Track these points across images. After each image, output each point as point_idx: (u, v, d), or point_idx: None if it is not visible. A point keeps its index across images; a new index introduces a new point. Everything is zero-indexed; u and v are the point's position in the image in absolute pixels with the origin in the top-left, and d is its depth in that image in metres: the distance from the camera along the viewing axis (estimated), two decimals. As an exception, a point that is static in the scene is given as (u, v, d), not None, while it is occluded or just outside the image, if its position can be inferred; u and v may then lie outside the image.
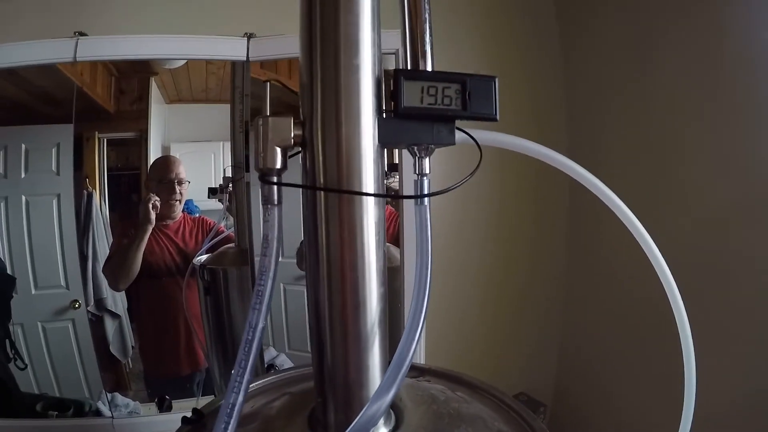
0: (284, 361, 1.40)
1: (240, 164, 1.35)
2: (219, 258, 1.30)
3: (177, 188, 1.39)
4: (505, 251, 1.90)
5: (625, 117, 1.73)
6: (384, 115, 0.42)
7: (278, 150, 0.39)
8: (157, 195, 1.38)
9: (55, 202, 1.31)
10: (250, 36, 1.31)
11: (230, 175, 1.37)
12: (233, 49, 1.29)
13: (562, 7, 1.99)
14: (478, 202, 1.76)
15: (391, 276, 1.26)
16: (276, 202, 0.41)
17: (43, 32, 1.25)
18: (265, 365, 1.36)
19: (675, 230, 1.50)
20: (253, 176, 1.35)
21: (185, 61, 1.37)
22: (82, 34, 1.24)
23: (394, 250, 1.32)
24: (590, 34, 1.90)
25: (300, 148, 0.43)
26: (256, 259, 1.36)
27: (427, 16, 0.44)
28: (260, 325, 0.40)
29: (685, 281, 0.55)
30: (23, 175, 1.30)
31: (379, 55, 0.42)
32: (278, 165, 0.40)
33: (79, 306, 1.34)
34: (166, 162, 1.40)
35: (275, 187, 0.40)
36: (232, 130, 1.39)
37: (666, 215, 1.53)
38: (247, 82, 1.33)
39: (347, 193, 0.39)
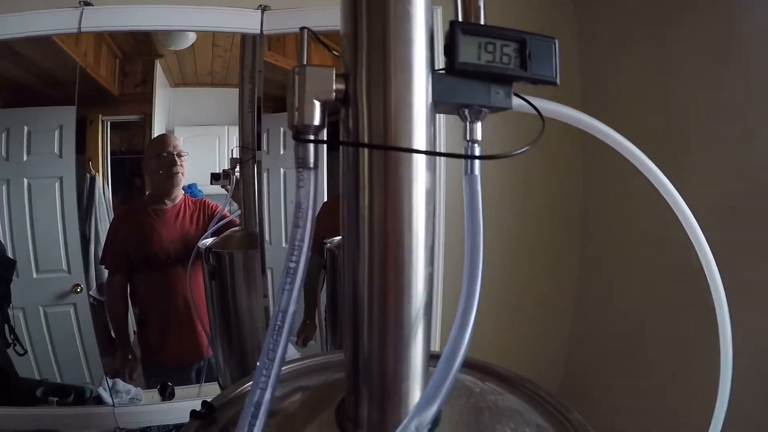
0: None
1: (248, 145, 1.31)
2: (225, 241, 1.27)
3: (177, 160, 1.36)
4: (515, 248, 1.89)
5: (639, 81, 1.71)
6: (435, 70, 0.37)
7: (317, 104, 0.34)
8: (158, 171, 1.36)
9: (57, 185, 1.29)
10: (264, 8, 1.26)
11: (238, 156, 1.34)
12: (246, 21, 1.24)
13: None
14: (488, 197, 1.75)
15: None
16: (312, 165, 0.36)
17: (47, 3, 1.20)
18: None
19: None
20: (265, 157, 1.33)
21: (191, 43, 1.35)
22: (87, 3, 1.20)
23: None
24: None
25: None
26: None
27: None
28: (291, 309, 0.35)
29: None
30: (25, 158, 1.28)
31: (431, 3, 0.37)
32: (316, 121, 0.35)
33: (81, 290, 1.32)
34: (162, 137, 1.37)
35: (311, 147, 0.35)
36: (240, 110, 1.36)
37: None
38: (260, 58, 1.29)
39: (396, 150, 0.34)
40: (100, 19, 1.19)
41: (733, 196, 1.39)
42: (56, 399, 1.29)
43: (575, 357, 2.07)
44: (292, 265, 0.36)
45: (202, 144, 1.42)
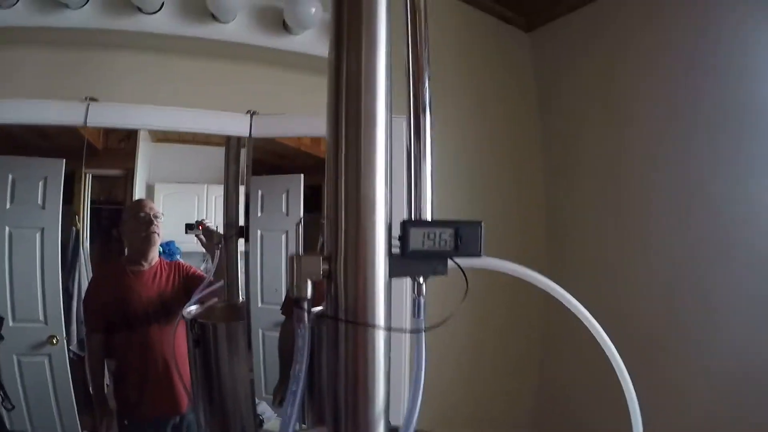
0: (265, 409, 1.43)
1: (232, 222, 1.42)
2: (208, 312, 1.33)
3: (154, 221, 1.42)
4: (483, 300, 1.99)
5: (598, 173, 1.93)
6: (393, 253, 0.53)
7: (309, 283, 0.50)
8: (135, 232, 1.42)
9: (38, 235, 1.31)
10: (253, 113, 1.40)
11: (222, 233, 1.44)
12: (237, 125, 1.37)
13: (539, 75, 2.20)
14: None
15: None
16: (307, 323, 0.51)
17: (49, 91, 1.30)
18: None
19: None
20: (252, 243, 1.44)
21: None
22: (92, 99, 1.29)
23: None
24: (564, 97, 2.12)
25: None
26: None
27: (429, 168, 0.56)
28: (294, 417, 0.50)
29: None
30: (8, 206, 1.29)
31: (390, 207, 0.53)
32: (309, 295, 0.51)
33: (57, 342, 1.32)
34: (139, 201, 1.44)
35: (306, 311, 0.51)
36: (225, 188, 1.46)
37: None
38: (249, 157, 1.42)
39: (365, 326, 0.50)
40: (104, 116, 1.29)
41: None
42: (32, 455, 1.27)
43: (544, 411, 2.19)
44: (293, 390, 0.50)
45: (181, 201, 1.48)
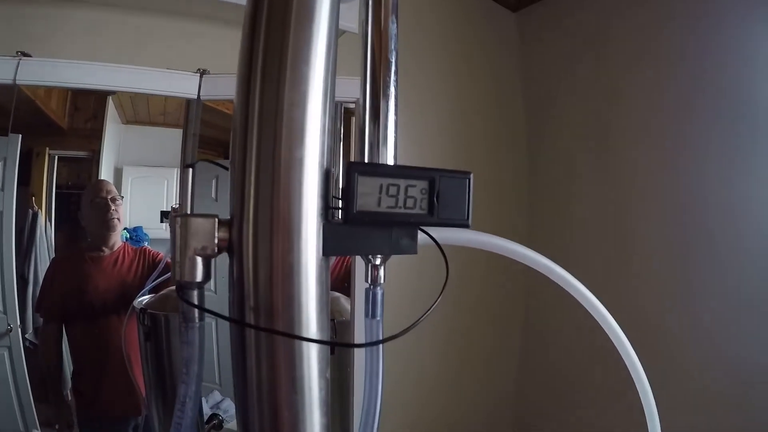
0: (229, 406, 1.31)
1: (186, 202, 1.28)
2: (161, 302, 1.21)
3: (111, 205, 1.32)
4: (464, 300, 1.93)
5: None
6: (332, 216, 0.34)
7: (199, 260, 0.31)
8: (92, 218, 1.32)
9: None
10: (203, 72, 1.24)
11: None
12: (185, 85, 1.22)
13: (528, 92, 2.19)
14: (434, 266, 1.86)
15: (340, 331, 1.20)
16: (197, 320, 0.33)
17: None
18: (205, 417, 1.26)
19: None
20: (213, 205, 1.32)
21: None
22: (25, 54, 1.15)
23: (345, 301, 1.25)
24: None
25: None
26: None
27: (393, 91, 0.38)
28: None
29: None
30: None
31: (329, 143, 0.34)
32: (199, 278, 0.32)
33: (12, 330, 1.23)
34: (96, 183, 1.33)
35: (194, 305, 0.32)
36: (182, 168, 1.33)
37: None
38: (197, 121, 1.26)
39: (283, 335, 0.31)
40: (37, 73, 1.14)
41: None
42: (-7, 450, 1.19)
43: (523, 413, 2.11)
44: (179, 420, 0.33)
45: (150, 185, 1.39)
